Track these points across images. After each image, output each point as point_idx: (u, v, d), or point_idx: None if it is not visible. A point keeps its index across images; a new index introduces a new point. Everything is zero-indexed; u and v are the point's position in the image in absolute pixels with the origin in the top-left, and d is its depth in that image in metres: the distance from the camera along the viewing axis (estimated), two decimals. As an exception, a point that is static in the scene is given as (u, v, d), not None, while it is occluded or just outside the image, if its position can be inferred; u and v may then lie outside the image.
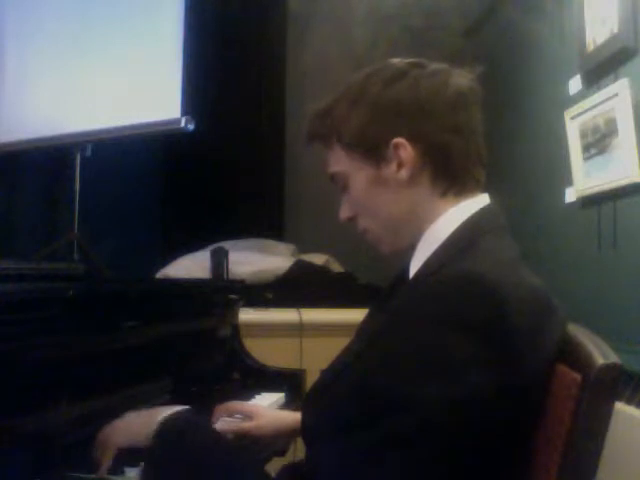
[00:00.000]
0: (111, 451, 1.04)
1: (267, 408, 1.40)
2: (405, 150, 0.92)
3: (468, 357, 0.77)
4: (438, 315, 0.79)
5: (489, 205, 0.96)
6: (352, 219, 1.01)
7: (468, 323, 0.77)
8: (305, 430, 0.99)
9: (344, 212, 1.02)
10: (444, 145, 0.93)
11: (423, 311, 0.81)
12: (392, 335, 0.83)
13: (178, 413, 1.04)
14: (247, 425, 1.30)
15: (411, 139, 0.92)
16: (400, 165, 0.93)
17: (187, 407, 1.08)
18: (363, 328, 1.07)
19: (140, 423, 1.04)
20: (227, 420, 1.34)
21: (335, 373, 0.95)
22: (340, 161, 0.98)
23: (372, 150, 0.94)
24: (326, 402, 0.92)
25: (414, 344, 0.80)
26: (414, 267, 0.94)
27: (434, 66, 0.98)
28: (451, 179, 0.94)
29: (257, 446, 1.29)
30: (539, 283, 0.88)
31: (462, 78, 0.96)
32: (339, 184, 1.00)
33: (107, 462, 1.03)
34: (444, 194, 0.94)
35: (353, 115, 0.95)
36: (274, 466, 1.20)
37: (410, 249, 0.97)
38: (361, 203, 0.98)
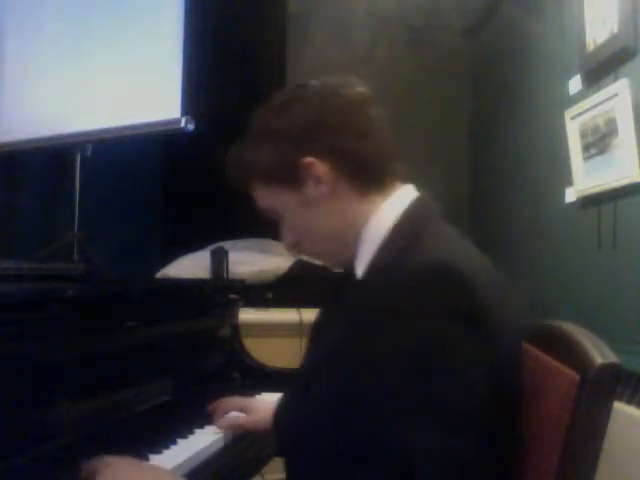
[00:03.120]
0: None
1: (263, 402, 1.40)
2: (317, 166, 0.96)
3: (457, 342, 0.79)
4: (417, 307, 0.81)
5: (421, 195, 1.00)
6: (296, 244, 1.05)
7: (448, 310, 0.80)
8: (281, 439, 0.99)
9: (287, 239, 1.05)
10: (350, 151, 0.97)
11: (399, 306, 0.82)
12: (371, 334, 0.83)
13: None
14: (242, 420, 1.32)
15: (318, 154, 0.96)
16: (317, 181, 0.97)
17: None
18: (321, 332, 1.07)
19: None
20: (224, 417, 1.35)
21: (308, 378, 0.95)
22: (265, 197, 1.03)
23: (288, 177, 0.98)
24: (305, 411, 0.92)
25: (399, 339, 0.80)
26: (360, 266, 0.97)
27: (320, 83, 1.02)
28: (367, 180, 0.98)
29: (253, 442, 1.30)
30: (486, 259, 0.92)
31: (350, 87, 1.01)
32: (274, 216, 1.05)
33: None
34: (367, 194, 0.98)
35: (260, 152, 1.00)
36: (274, 466, 1.20)
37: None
38: (299, 229, 1.02)
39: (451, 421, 0.77)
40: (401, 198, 0.98)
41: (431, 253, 0.86)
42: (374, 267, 0.94)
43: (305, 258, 2.72)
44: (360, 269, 0.96)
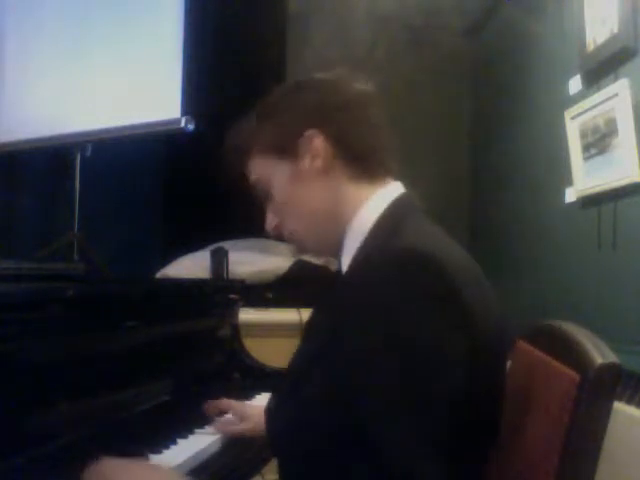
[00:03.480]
0: None
1: (255, 407, 1.38)
2: (317, 140, 0.98)
3: (441, 328, 0.79)
4: (394, 295, 0.80)
5: (405, 193, 1.01)
6: (278, 227, 1.06)
7: (426, 295, 0.79)
8: (274, 440, 0.98)
9: (270, 221, 1.07)
10: (352, 136, 0.99)
11: (377, 296, 0.81)
12: (353, 329, 0.83)
13: None
14: (239, 429, 1.33)
15: (321, 130, 0.98)
16: (314, 156, 0.98)
17: None
18: (312, 328, 1.08)
19: None
20: (220, 421, 1.36)
21: (297, 377, 0.95)
22: (260, 166, 1.04)
23: (287, 147, 1.00)
24: (295, 409, 0.92)
25: (383, 330, 0.79)
26: (346, 260, 0.98)
27: (333, 72, 1.06)
28: (362, 166, 1.00)
29: (252, 447, 1.30)
30: (465, 253, 0.93)
31: (359, 82, 1.05)
32: (262, 192, 1.06)
33: None
34: (358, 181, 0.99)
35: (265, 124, 1.03)
36: (275, 466, 1.20)
37: (336, 243, 1.01)
38: (284, 203, 1.03)
39: (423, 415, 0.77)
40: (388, 193, 0.99)
41: (404, 239, 0.88)
42: (355, 261, 0.94)
43: (305, 258, 2.72)
44: (346, 262, 0.98)
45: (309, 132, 0.98)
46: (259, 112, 1.05)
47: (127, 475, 0.96)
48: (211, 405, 1.40)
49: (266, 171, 1.03)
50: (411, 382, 0.77)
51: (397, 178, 1.03)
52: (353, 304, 0.85)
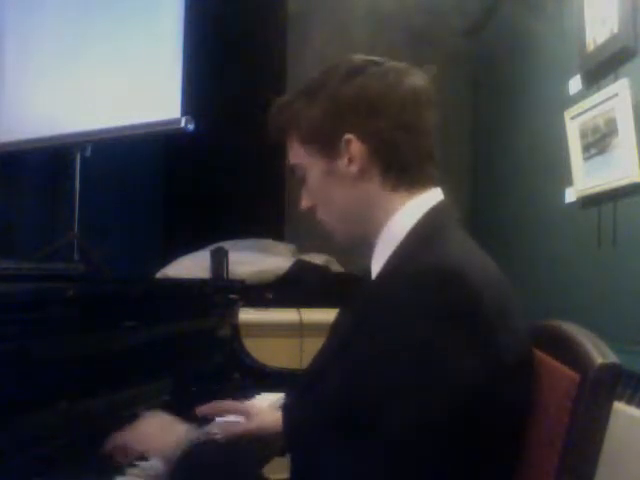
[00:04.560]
0: (131, 456, 1.07)
1: (256, 406, 1.36)
2: (355, 146, 0.96)
3: (457, 345, 0.79)
4: (420, 308, 0.81)
5: (443, 200, 0.99)
6: (312, 209, 1.05)
7: (450, 312, 0.80)
8: (291, 432, 0.99)
9: (304, 202, 1.05)
10: (393, 142, 0.96)
11: (404, 306, 0.82)
12: (378, 333, 0.84)
13: (203, 445, 1.04)
14: (243, 428, 1.28)
15: (361, 136, 0.96)
16: (350, 160, 0.96)
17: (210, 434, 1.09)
18: (336, 329, 1.08)
19: (163, 443, 1.04)
20: (220, 423, 1.31)
21: (317, 375, 0.96)
22: (298, 154, 1.03)
23: (326, 144, 0.98)
24: (313, 406, 0.93)
25: (402, 338, 0.81)
26: (376, 266, 0.97)
27: (391, 64, 1.01)
28: (400, 174, 0.97)
29: (252, 446, 1.29)
30: (498, 269, 0.92)
31: (416, 77, 1.00)
32: (298, 175, 1.05)
33: (125, 461, 1.07)
34: (395, 189, 0.97)
35: (310, 110, 0.99)
36: (274, 466, 1.20)
37: (365, 243, 1.00)
38: (316, 194, 1.02)
39: (429, 426, 0.78)
40: (425, 201, 0.97)
41: (438, 256, 0.86)
42: (386, 269, 0.94)
43: (305, 258, 2.73)
44: (376, 268, 0.97)
45: (348, 136, 0.95)
46: (308, 94, 1.01)
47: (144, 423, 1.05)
48: (209, 407, 1.34)
49: (304, 160, 1.02)
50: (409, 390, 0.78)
51: (436, 184, 1.00)
52: (377, 308, 0.86)
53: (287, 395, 1.07)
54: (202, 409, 1.31)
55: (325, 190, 1.00)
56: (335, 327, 1.10)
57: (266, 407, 1.39)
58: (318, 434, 0.88)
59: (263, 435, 1.27)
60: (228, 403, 1.37)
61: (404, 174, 0.97)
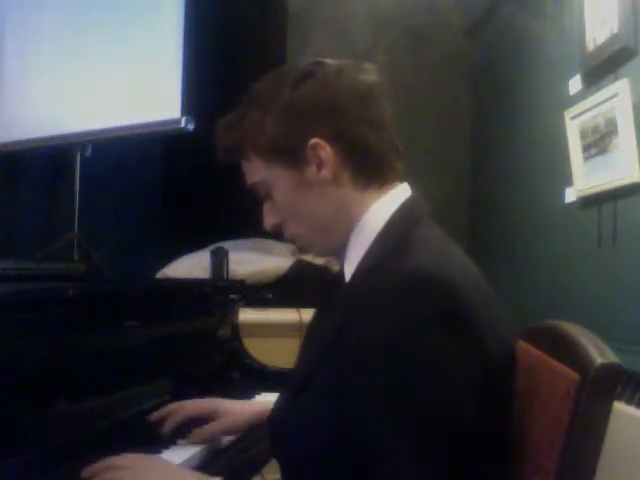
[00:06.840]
0: None
1: (235, 403, 1.30)
2: (323, 150, 0.92)
3: (445, 350, 0.78)
4: (401, 312, 0.79)
5: (412, 195, 0.97)
6: (278, 226, 1.00)
7: (432, 314, 0.78)
8: (276, 446, 0.96)
9: (269, 220, 1.01)
10: (360, 140, 0.93)
11: (384, 310, 0.80)
12: (357, 337, 0.82)
13: None
14: (218, 426, 1.24)
15: (327, 138, 0.92)
16: (320, 165, 0.93)
17: None
18: (313, 334, 1.05)
19: None
20: (196, 431, 1.24)
21: (301, 384, 0.93)
22: (259, 170, 0.97)
23: (290, 154, 0.94)
24: (297, 412, 0.91)
25: (384, 342, 0.79)
26: (349, 267, 0.94)
27: (338, 63, 0.98)
28: (372, 172, 0.95)
29: (253, 442, 1.28)
30: (472, 264, 0.90)
31: (368, 73, 0.98)
32: (260, 193, 1.00)
33: None
34: (367, 188, 0.95)
35: (266, 122, 0.95)
36: (275, 466, 1.20)
37: (339, 253, 0.97)
38: (287, 209, 0.97)
39: (426, 438, 0.77)
40: (395, 197, 0.95)
41: (416, 260, 0.84)
42: (360, 270, 0.91)
43: (305, 258, 2.72)
44: (348, 271, 0.94)
45: (314, 141, 0.92)
46: (258, 107, 0.97)
47: (144, 468, 0.97)
48: (163, 415, 1.25)
49: (268, 175, 0.96)
50: (410, 403, 0.77)
51: (403, 179, 0.98)
52: (357, 313, 0.83)
53: (276, 401, 1.02)
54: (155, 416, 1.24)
55: (297, 203, 0.96)
56: (311, 333, 1.06)
57: (236, 404, 1.31)
58: (301, 445, 0.87)
59: (243, 429, 1.25)
60: (192, 403, 1.29)
61: (374, 171, 0.95)
